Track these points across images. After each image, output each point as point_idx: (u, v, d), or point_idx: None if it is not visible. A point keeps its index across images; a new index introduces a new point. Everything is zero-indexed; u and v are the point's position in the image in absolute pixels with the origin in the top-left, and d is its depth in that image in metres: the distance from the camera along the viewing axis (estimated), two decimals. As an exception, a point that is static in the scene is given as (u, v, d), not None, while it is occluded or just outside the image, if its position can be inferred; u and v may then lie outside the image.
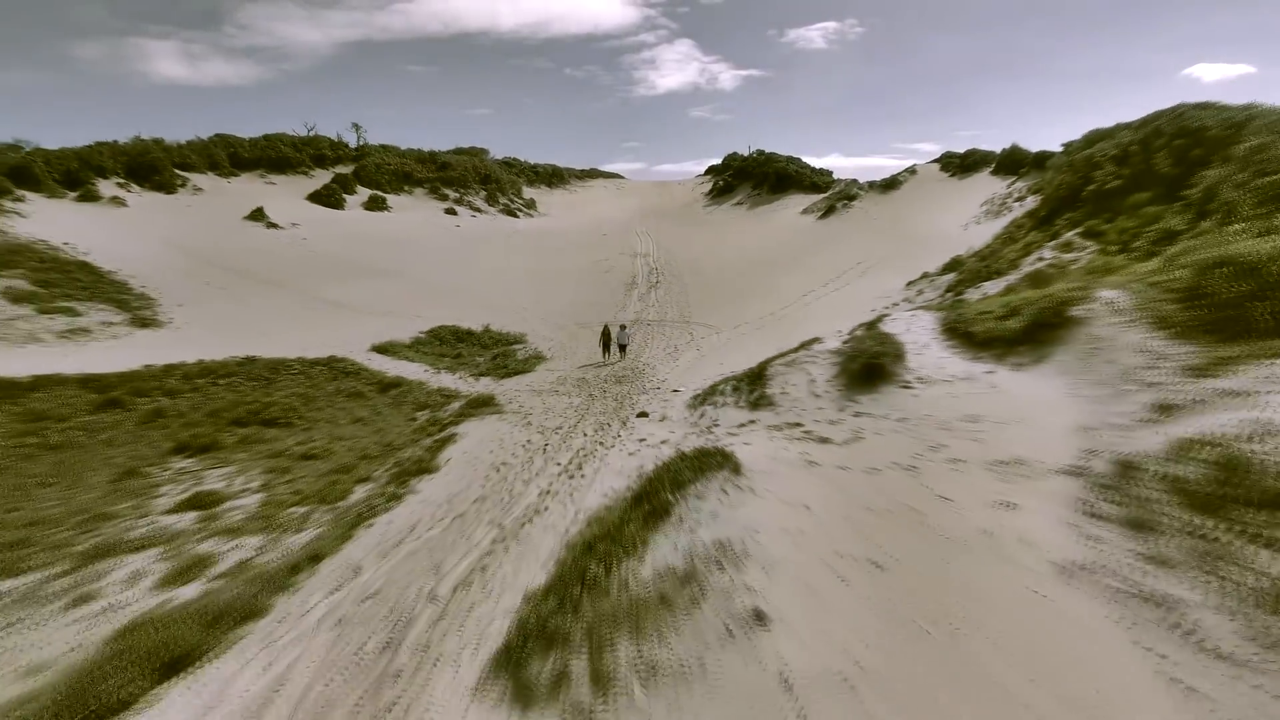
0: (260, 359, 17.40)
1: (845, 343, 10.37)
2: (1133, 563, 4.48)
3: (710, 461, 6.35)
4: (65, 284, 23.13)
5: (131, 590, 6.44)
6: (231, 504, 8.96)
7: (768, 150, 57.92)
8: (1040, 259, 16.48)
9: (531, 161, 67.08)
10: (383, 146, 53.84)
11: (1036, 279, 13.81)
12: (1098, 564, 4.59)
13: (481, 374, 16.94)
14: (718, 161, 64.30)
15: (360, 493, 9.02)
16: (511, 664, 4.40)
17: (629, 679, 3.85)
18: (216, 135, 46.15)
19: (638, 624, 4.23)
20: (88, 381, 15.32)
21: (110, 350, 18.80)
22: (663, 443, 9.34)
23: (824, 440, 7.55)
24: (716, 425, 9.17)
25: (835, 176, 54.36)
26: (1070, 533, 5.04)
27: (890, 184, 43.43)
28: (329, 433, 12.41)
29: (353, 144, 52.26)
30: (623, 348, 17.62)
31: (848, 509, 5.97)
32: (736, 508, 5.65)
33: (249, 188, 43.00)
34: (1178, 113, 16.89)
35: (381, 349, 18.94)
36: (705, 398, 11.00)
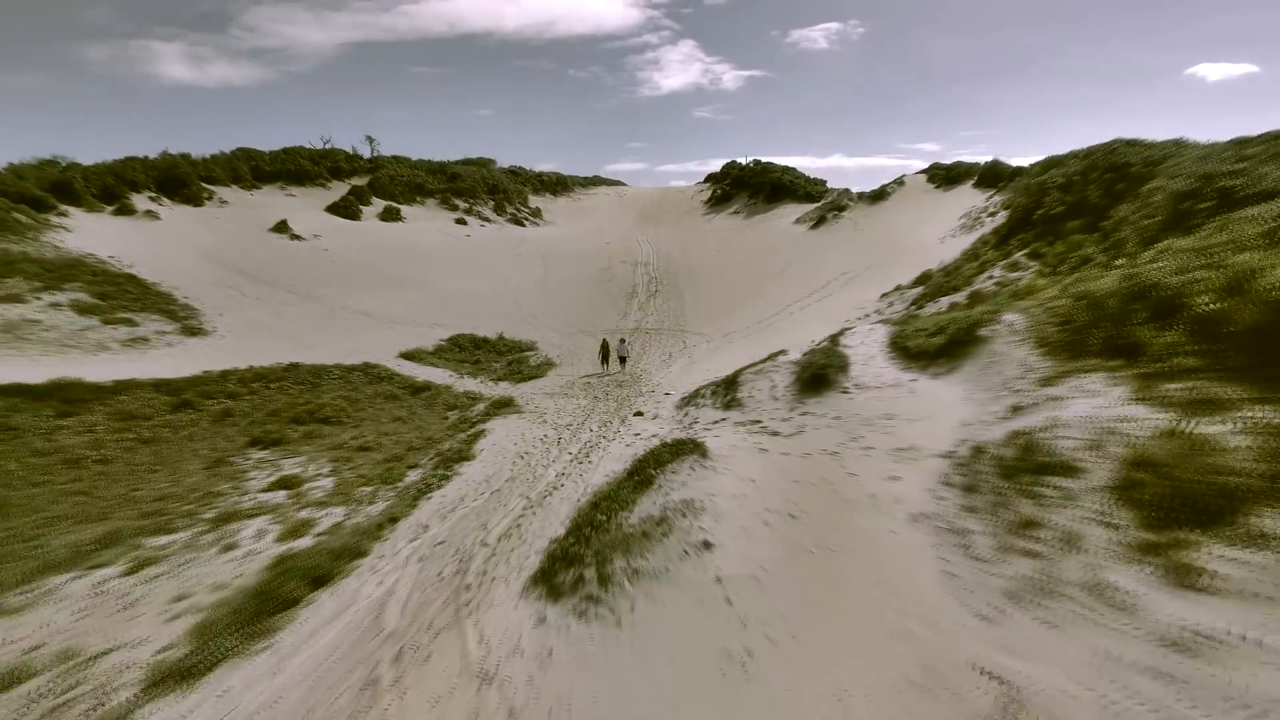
0: (303, 365, 19.79)
1: (804, 355, 12.68)
2: (956, 512, 6.78)
3: (685, 448, 8.67)
4: (119, 296, 25.57)
5: (261, 542, 8.79)
6: (311, 485, 11.31)
7: (765, 159, 60.26)
8: (990, 277, 18.72)
9: (536, 170, 69.57)
10: (395, 158, 56.36)
11: (976, 297, 16.05)
12: (936, 513, 6.90)
13: (499, 378, 19.30)
14: (723, 161, 66.58)
15: (413, 476, 11.36)
16: (545, 577, 6.73)
17: (621, 578, 6.18)
18: (238, 149, 48.66)
19: (628, 548, 6.55)
20: (160, 385, 17.71)
21: (169, 357, 21.22)
22: (653, 436, 11.65)
23: (774, 434, 9.87)
24: (696, 422, 11.47)
25: (829, 185, 56.60)
26: (927, 495, 7.35)
27: (879, 195, 45.65)
28: (375, 429, 14.76)
29: (366, 155, 54.77)
30: (623, 359, 19.63)
31: (781, 481, 8.28)
32: (701, 480, 7.98)
33: (270, 199, 45.51)
34: (1111, 148, 19.13)
35: (409, 356, 21.31)
36: (690, 400, 13.31)
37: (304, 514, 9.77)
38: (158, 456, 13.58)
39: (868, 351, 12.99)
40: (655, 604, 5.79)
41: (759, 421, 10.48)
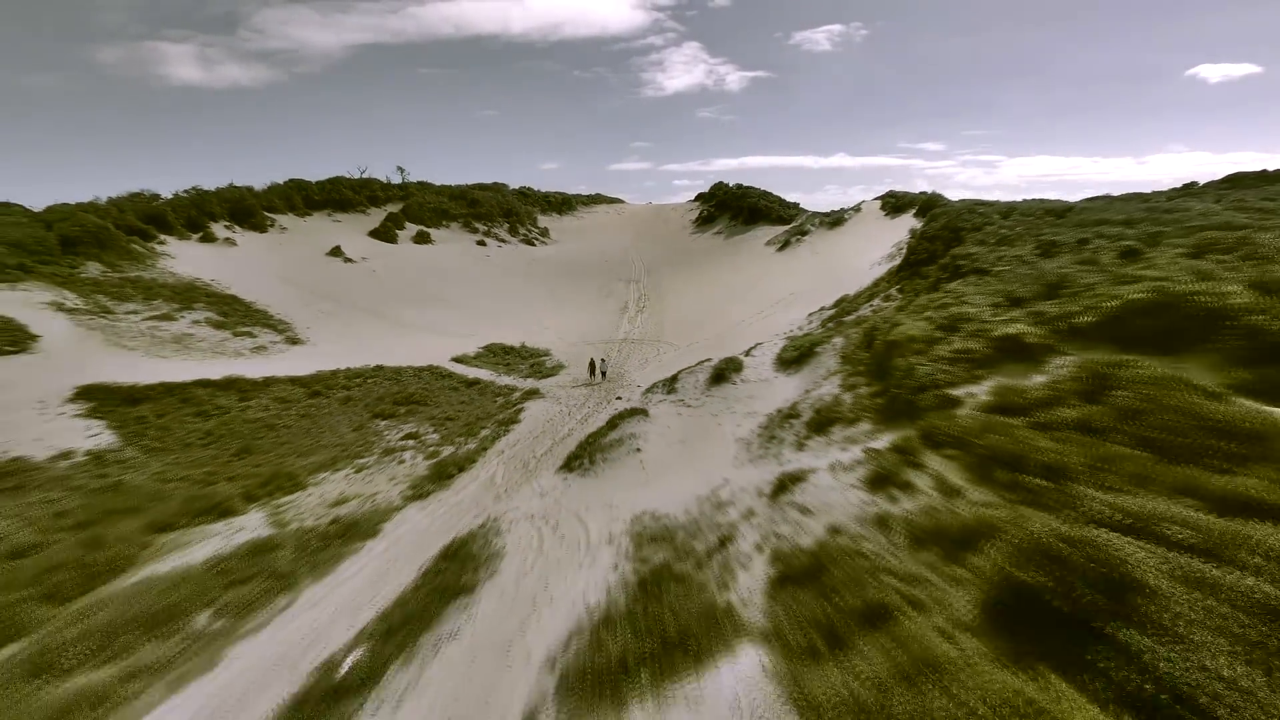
0: (386, 367, 27.88)
1: (719, 361, 20.71)
2: (754, 437, 14.83)
3: (636, 412, 16.72)
4: (234, 314, 33.75)
5: (415, 460, 16.83)
6: (425, 437, 19.35)
7: (747, 184, 68.21)
8: (871, 306, 26.60)
9: (542, 183, 77.62)
10: (421, 184, 64.60)
11: (858, 321, 23.95)
12: (745, 438, 14.95)
13: (526, 376, 27.38)
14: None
15: (485, 431, 19.42)
16: (566, 465, 14.83)
17: (599, 462, 14.33)
18: (291, 180, 56.88)
19: (604, 451, 14.65)
20: (294, 380, 25.80)
21: (285, 360, 29.32)
22: (624, 407, 19.68)
23: (689, 405, 17.94)
24: (649, 401, 19.51)
25: (802, 207, 64.52)
26: (748, 431, 15.37)
27: (837, 220, 53.56)
28: (450, 408, 22.82)
29: (398, 181, 63.00)
30: (603, 374, 27.14)
31: (683, 427, 16.31)
32: (641, 425, 16.07)
33: (320, 225, 53.72)
34: (957, 210, 27.07)
35: (458, 359, 29.41)
36: (649, 390, 21.33)
37: (431, 449, 17.84)
38: (316, 424, 21.65)
39: (761, 360, 21.02)
40: (612, 469, 13.87)
41: (683, 400, 18.52)
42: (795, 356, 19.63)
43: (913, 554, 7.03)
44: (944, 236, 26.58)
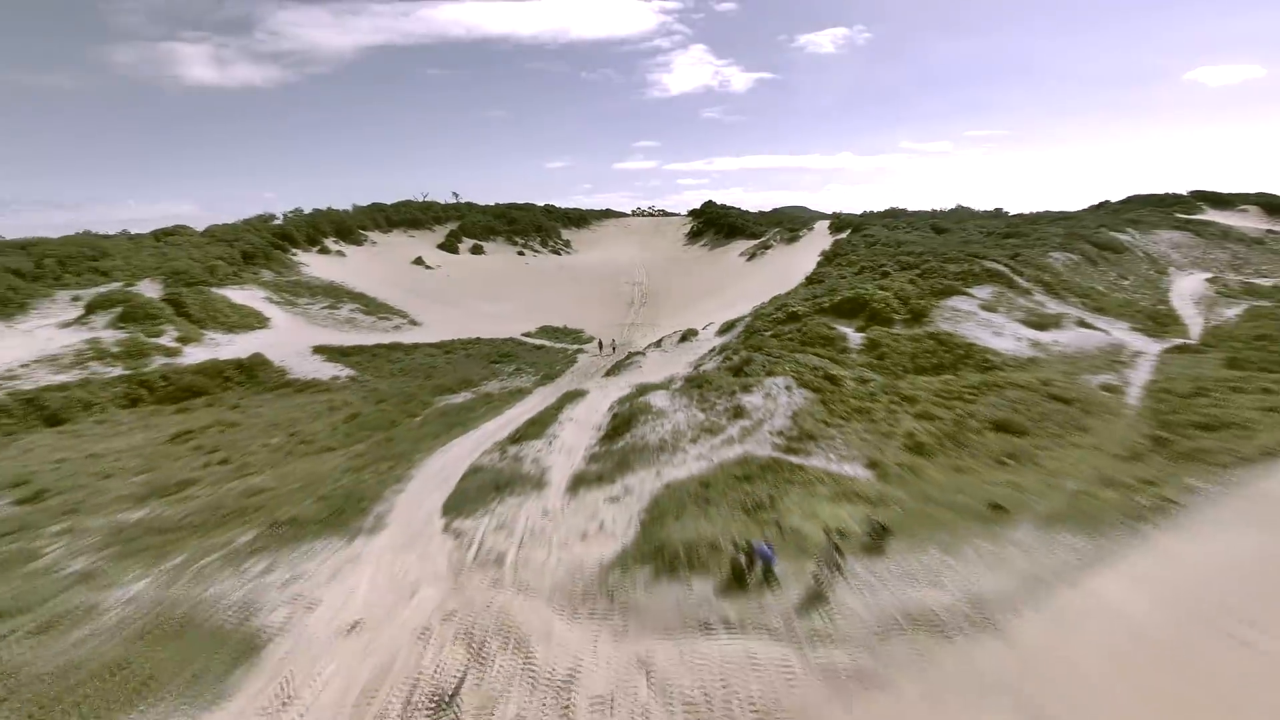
0: (483, 339, 44.47)
1: (682, 333, 37.40)
2: (695, 362, 31.51)
3: (638, 354, 33.47)
4: (370, 305, 50.32)
5: (529, 377, 33.40)
6: (527, 370, 35.92)
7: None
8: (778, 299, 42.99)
9: (564, 207, 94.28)
10: (468, 204, 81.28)
11: (760, 310, 40.51)
12: (691, 361, 31.60)
13: (571, 344, 43.93)
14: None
15: (559, 367, 35.94)
16: (607, 374, 31.51)
17: (622, 371, 31.13)
18: (373, 204, 73.72)
19: (623, 368, 31.33)
20: (431, 345, 42.48)
21: (415, 335, 45.86)
22: (631, 355, 36.34)
23: (665, 352, 34.71)
24: (645, 352, 36.07)
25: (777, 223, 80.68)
26: (694, 360, 32.02)
27: (793, 237, 69.85)
28: (532, 359, 39.35)
29: (452, 203, 79.70)
30: (614, 348, 43.60)
31: (662, 360, 32.89)
32: (640, 360, 32.84)
33: (399, 240, 70.40)
34: (848, 238, 43.53)
35: (525, 335, 45.98)
36: (646, 348, 37.91)
37: (536, 373, 34.39)
38: (458, 368, 38.20)
39: (709, 330, 37.71)
40: (628, 374, 30.49)
41: (663, 350, 35.15)
42: (726, 328, 36.24)
43: (730, 377, 23.43)
44: (830, 255, 42.94)
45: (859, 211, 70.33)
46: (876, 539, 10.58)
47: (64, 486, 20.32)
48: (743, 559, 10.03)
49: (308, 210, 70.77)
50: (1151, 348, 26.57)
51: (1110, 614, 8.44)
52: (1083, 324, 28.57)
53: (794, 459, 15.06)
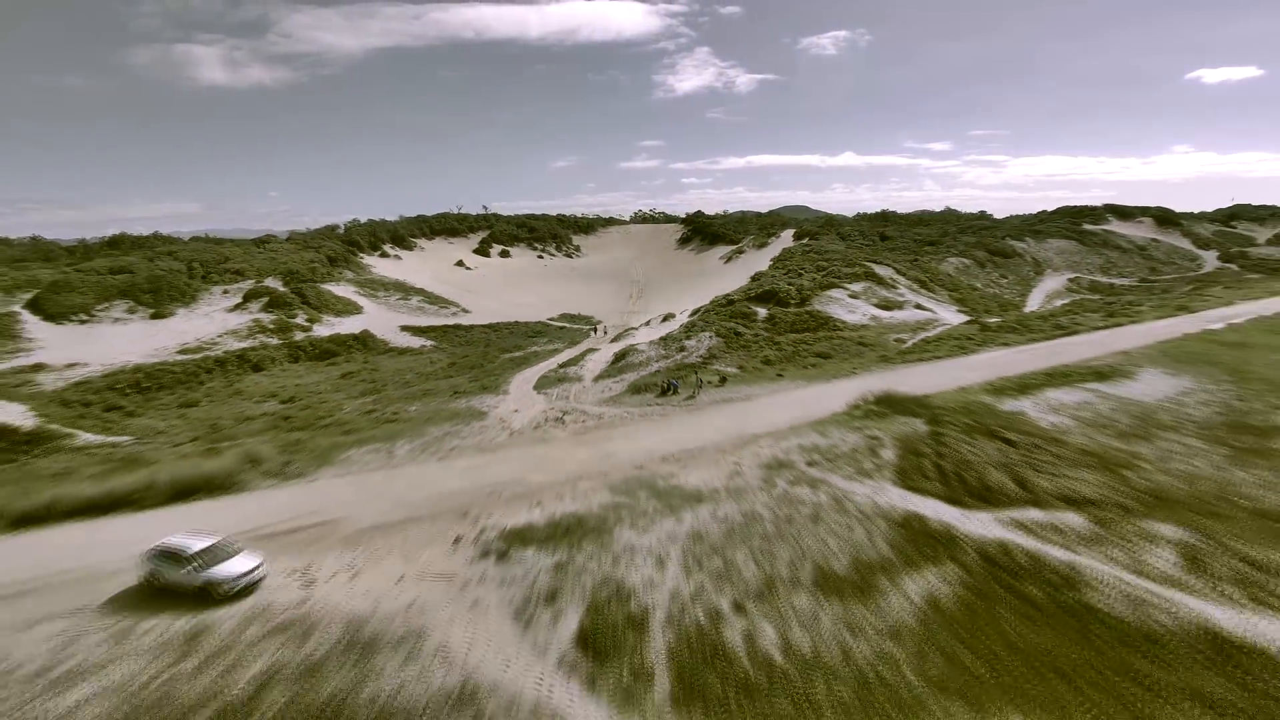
0: (519, 321, 60.22)
1: (666, 313, 53.22)
2: (671, 332, 47.31)
3: (632, 329, 49.25)
4: (431, 297, 65.96)
5: (561, 345, 49.06)
6: (557, 339, 51.56)
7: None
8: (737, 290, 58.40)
9: (575, 215, 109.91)
10: (495, 215, 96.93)
11: (720, 298, 56.17)
12: (664, 331, 47.41)
13: (586, 325, 59.60)
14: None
15: (580, 339, 51.58)
16: (613, 339, 47.34)
17: (621, 338, 47.09)
18: (417, 215, 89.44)
19: (622, 336, 47.13)
20: (482, 326, 58.15)
21: (467, 319, 61.53)
22: (626, 331, 52.05)
23: (651, 328, 50.63)
24: (638, 329, 51.72)
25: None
26: (668, 330, 47.78)
27: (762, 244, 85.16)
28: (559, 335, 55.01)
29: (481, 212, 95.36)
30: (605, 332, 59.28)
31: (649, 332, 48.58)
32: (633, 333, 48.71)
33: (441, 246, 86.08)
34: (800, 244, 59.15)
35: (550, 319, 61.72)
36: (639, 325, 53.56)
37: (566, 340, 50.02)
38: (506, 339, 53.88)
39: (683, 314, 53.44)
40: (623, 339, 46.29)
41: (651, 327, 50.89)
42: (694, 312, 51.94)
43: (682, 336, 38.91)
44: (778, 259, 58.32)
45: (853, 214, 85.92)
46: (722, 382, 26.21)
47: (304, 395, 36.00)
48: (665, 386, 25.69)
49: (363, 220, 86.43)
50: (954, 320, 41.99)
51: (794, 401, 23.97)
52: (919, 307, 44.03)
53: (704, 364, 30.60)
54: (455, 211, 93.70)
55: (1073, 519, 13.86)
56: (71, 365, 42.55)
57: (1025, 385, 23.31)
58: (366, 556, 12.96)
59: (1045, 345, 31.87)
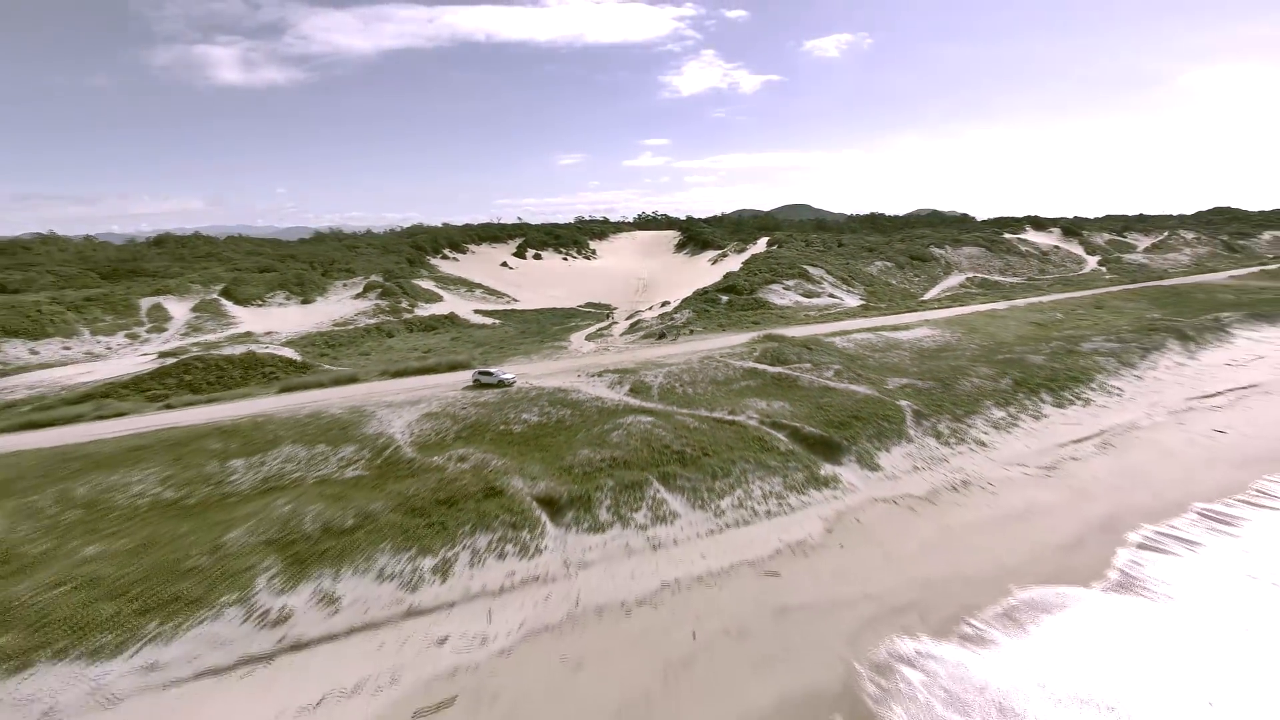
0: (557, 308, 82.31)
1: (664, 303, 75.43)
2: (665, 314, 69.50)
3: (641, 312, 71.46)
4: (489, 291, 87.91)
5: (585, 333, 71.07)
6: (582, 325, 73.56)
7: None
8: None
9: (591, 220, 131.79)
10: (525, 224, 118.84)
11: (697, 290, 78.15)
12: (659, 312, 69.57)
13: (606, 311, 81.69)
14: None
15: (608, 318, 73.61)
16: (628, 317, 69.55)
17: (634, 316, 69.44)
18: (465, 224, 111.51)
19: (633, 317, 69.32)
20: (533, 309, 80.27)
21: (518, 305, 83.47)
22: (635, 315, 74.09)
23: (652, 311, 72.97)
24: (641, 314, 73.73)
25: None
26: (661, 312, 69.93)
27: (743, 248, 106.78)
28: (591, 317, 76.98)
29: (516, 221, 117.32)
30: (612, 317, 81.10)
31: (651, 316, 70.64)
32: (638, 315, 70.97)
33: (487, 250, 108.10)
34: (780, 239, 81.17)
35: (579, 307, 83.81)
36: (643, 310, 75.54)
37: (599, 321, 72.02)
38: (553, 320, 75.85)
39: (674, 302, 75.56)
40: (635, 317, 68.41)
41: (653, 311, 73.02)
42: (682, 299, 74.16)
43: (671, 313, 60.71)
44: (747, 261, 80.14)
45: (848, 212, 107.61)
46: (691, 334, 48.36)
47: (443, 348, 58.17)
48: (660, 334, 47.84)
49: (426, 226, 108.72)
50: (852, 304, 63.71)
51: (727, 339, 45.93)
52: (831, 295, 65.79)
53: (684, 326, 52.50)
54: (496, 222, 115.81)
55: (779, 370, 35.96)
56: (268, 333, 64.88)
57: (846, 331, 45.17)
58: (593, 372, 35.18)
59: (892, 317, 53.63)
